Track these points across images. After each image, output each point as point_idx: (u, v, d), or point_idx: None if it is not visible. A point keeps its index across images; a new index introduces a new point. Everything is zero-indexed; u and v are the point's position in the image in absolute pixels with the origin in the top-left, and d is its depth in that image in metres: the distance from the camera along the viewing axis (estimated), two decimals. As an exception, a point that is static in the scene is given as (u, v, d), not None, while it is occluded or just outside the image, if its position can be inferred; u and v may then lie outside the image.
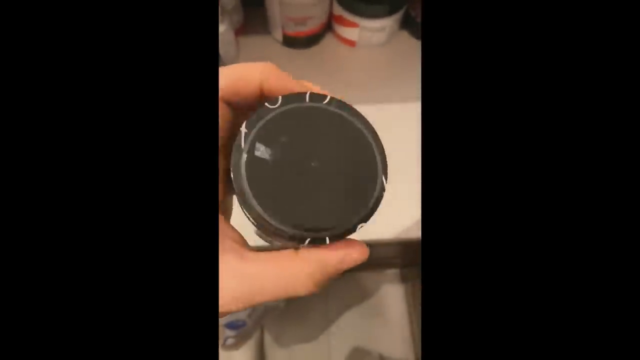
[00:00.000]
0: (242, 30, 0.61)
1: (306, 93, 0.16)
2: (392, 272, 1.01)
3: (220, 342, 0.81)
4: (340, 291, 0.97)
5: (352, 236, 0.17)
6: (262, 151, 0.15)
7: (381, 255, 0.97)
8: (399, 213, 0.48)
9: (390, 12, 0.55)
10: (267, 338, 0.92)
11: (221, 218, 0.18)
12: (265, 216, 0.15)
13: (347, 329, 0.94)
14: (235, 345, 0.84)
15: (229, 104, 0.19)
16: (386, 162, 0.16)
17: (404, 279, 1.00)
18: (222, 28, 0.53)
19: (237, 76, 0.18)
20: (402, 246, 0.91)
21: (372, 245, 0.22)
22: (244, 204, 0.15)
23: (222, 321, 0.77)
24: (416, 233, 0.48)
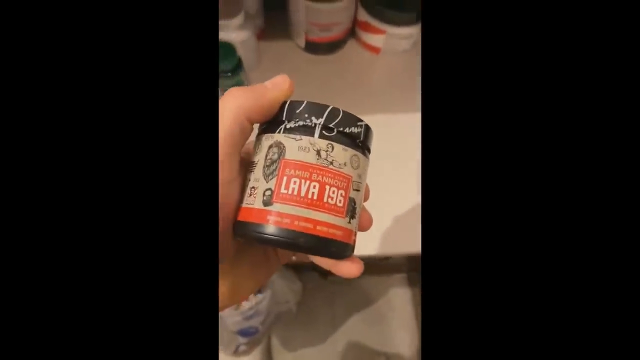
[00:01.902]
0: (262, 35, 0.60)
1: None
2: (399, 277, 1.01)
3: (232, 349, 0.80)
4: (347, 294, 0.97)
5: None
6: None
7: (388, 262, 0.97)
8: (409, 227, 0.47)
9: (417, 19, 0.54)
10: (275, 343, 0.91)
11: None
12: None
13: (354, 332, 0.94)
14: (247, 352, 0.83)
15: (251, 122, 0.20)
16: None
17: (411, 283, 1.00)
18: (245, 35, 0.52)
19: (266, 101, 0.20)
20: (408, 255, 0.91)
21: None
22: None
23: (234, 329, 0.76)
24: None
